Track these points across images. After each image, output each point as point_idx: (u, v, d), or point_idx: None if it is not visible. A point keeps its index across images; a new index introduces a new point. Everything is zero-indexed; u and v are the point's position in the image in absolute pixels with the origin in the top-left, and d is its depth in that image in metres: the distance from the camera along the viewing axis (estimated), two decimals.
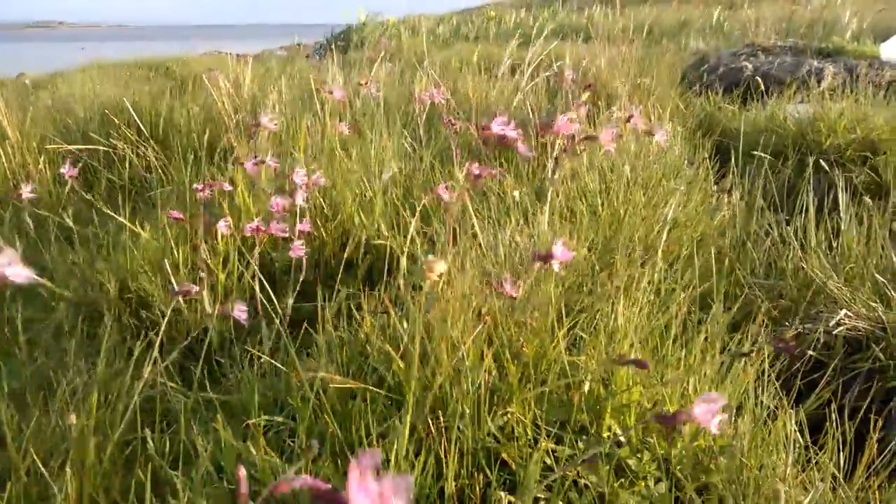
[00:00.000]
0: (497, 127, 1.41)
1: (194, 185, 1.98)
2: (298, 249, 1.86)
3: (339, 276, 1.92)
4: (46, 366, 1.83)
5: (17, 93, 5.60)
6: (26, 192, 2.13)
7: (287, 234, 1.88)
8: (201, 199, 1.96)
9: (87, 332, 2.05)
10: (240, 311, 1.58)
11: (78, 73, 7.42)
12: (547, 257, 1.33)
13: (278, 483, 0.65)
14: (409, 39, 9.50)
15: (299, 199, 1.96)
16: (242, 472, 0.77)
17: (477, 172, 1.65)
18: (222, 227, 1.93)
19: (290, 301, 1.87)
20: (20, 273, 0.83)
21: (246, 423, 1.35)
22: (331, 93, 2.60)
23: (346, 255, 2.16)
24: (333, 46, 9.22)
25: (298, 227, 1.92)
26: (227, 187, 2.07)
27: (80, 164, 3.13)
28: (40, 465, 1.19)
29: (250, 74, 4.16)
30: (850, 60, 4.91)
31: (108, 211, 2.30)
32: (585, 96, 3.06)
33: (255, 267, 1.87)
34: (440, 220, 2.11)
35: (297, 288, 1.91)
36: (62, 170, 2.20)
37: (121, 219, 2.21)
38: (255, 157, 2.05)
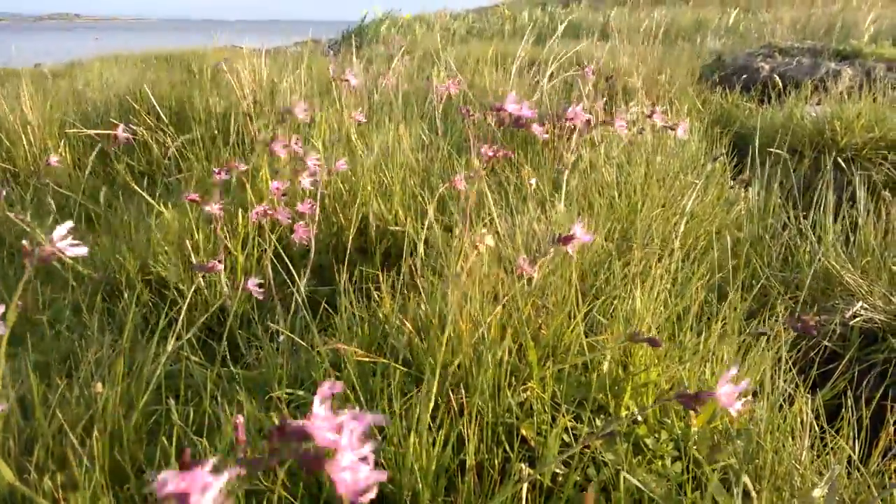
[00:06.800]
0: (511, 106, 1.38)
1: (213, 169, 2.00)
2: (302, 231, 1.87)
3: (357, 259, 1.94)
4: (68, 340, 1.86)
5: (36, 81, 5.65)
6: (53, 160, 2.19)
7: (291, 220, 1.89)
8: (218, 183, 1.97)
9: (107, 309, 2.07)
10: (254, 286, 1.60)
11: (95, 63, 7.47)
12: (567, 239, 1.33)
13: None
14: (425, 36, 9.52)
15: (306, 183, 1.97)
16: (241, 419, 0.79)
17: (490, 153, 1.65)
18: (215, 208, 1.91)
19: (304, 280, 1.89)
20: (76, 249, 0.85)
21: (268, 395, 1.37)
22: (347, 81, 2.62)
23: (364, 241, 2.18)
24: (349, 42, 9.24)
25: (299, 207, 1.93)
26: (242, 167, 2.08)
27: (99, 150, 3.17)
28: (68, 430, 1.21)
29: (268, 65, 4.18)
30: (868, 63, 4.89)
31: (136, 188, 2.33)
32: (600, 83, 3.06)
33: (271, 248, 1.89)
34: (458, 207, 2.13)
35: (312, 268, 1.93)
36: (118, 131, 2.22)
37: (147, 196, 2.24)
38: (277, 140, 2.07)
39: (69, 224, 0.81)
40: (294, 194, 2.18)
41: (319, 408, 0.50)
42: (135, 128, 3.54)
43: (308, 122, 2.44)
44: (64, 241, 0.82)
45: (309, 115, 2.20)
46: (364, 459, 0.48)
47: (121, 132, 2.20)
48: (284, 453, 0.49)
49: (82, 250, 0.82)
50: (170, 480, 0.45)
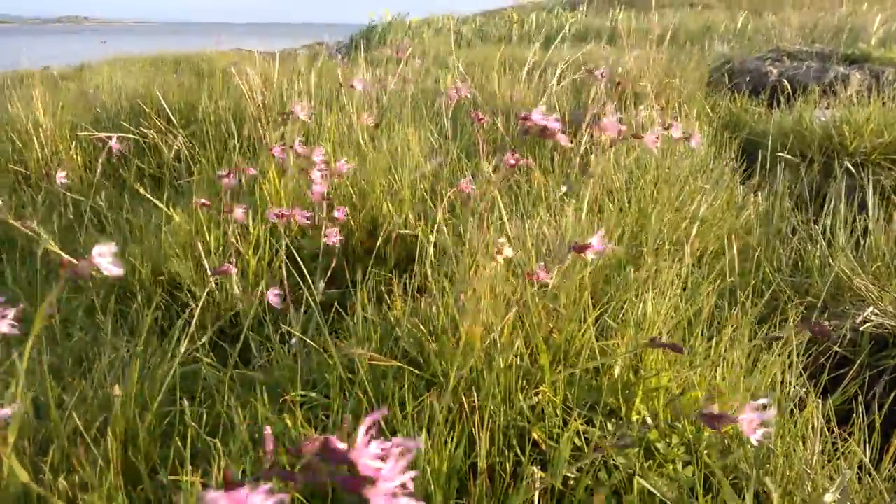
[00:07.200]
0: (537, 116, 1.40)
1: (217, 172, 2.02)
2: (333, 236, 1.89)
3: (368, 262, 1.95)
4: (81, 342, 1.87)
5: (47, 84, 5.68)
6: (60, 177, 2.18)
7: (312, 221, 1.91)
8: (227, 186, 1.99)
9: (120, 311, 2.09)
10: (273, 296, 1.64)
11: (105, 66, 7.52)
12: (583, 248, 1.34)
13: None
14: (433, 39, 9.54)
15: (317, 178, 1.97)
16: (268, 429, 0.79)
17: (512, 161, 1.67)
18: (239, 213, 1.94)
19: (322, 283, 1.90)
20: (114, 269, 0.86)
21: (282, 398, 1.38)
22: (352, 86, 2.64)
23: (374, 244, 2.19)
24: (357, 45, 9.27)
25: (336, 214, 1.95)
26: (252, 171, 2.09)
27: (109, 152, 3.19)
28: (82, 430, 1.22)
29: (277, 68, 4.20)
30: (877, 67, 4.89)
31: (145, 193, 2.34)
32: (607, 88, 3.06)
33: (284, 251, 1.90)
34: (468, 211, 2.13)
35: (328, 273, 1.94)
36: (112, 143, 2.22)
37: (157, 202, 2.25)
38: (283, 143, 2.09)
39: (113, 246, 0.82)
40: (302, 196, 2.20)
41: (363, 437, 0.51)
42: (145, 130, 3.57)
43: (310, 122, 2.46)
44: (103, 259, 0.83)
45: (309, 116, 2.21)
46: (404, 487, 0.48)
47: (114, 142, 2.20)
48: (324, 474, 0.50)
49: (119, 271, 0.83)
50: (218, 500, 0.45)
